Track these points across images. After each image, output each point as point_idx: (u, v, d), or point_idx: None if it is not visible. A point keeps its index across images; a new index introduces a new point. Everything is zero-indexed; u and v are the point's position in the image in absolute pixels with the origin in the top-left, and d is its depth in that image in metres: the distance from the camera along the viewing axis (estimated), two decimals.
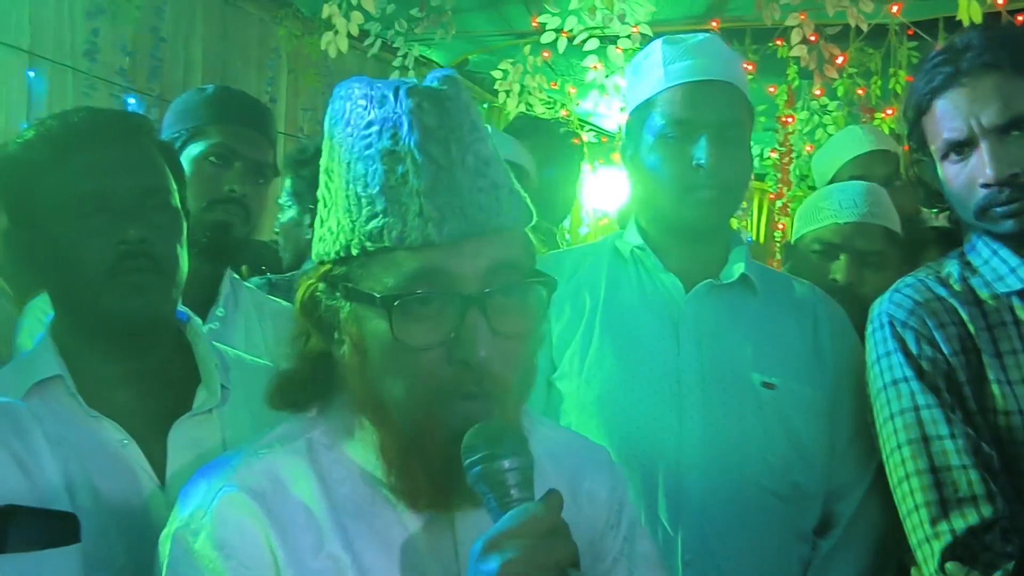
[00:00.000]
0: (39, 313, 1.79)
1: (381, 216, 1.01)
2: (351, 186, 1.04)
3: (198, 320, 1.60)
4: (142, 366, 1.45)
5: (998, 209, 1.51)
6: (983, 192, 1.51)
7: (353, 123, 1.06)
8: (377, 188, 1.01)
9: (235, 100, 2.06)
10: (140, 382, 1.44)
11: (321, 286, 1.08)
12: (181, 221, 1.48)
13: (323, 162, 1.11)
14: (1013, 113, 1.48)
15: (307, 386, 1.13)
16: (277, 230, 3.12)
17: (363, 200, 1.02)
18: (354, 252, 1.03)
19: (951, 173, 1.56)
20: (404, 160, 1.01)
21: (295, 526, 1.04)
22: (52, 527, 1.07)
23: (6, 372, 1.44)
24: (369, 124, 1.04)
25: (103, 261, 1.37)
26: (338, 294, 1.06)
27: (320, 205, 1.11)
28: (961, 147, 1.54)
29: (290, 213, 2.82)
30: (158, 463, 1.40)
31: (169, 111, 2.09)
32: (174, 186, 1.48)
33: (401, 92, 1.03)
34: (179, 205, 1.49)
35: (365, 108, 1.05)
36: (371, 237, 1.01)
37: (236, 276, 2.06)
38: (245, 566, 1.01)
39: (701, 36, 1.82)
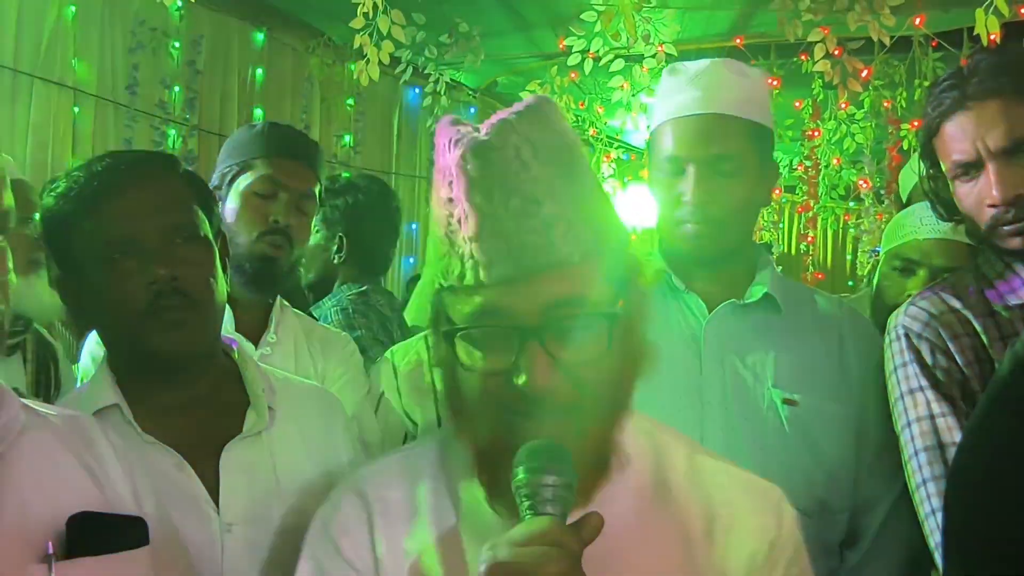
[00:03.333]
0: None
1: (446, 257, 1.10)
2: (435, 225, 1.14)
3: (247, 345, 1.67)
4: (192, 393, 1.52)
5: (1005, 228, 1.58)
6: (991, 212, 1.58)
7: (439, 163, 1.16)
8: (443, 231, 1.11)
9: (282, 134, 2.15)
10: (191, 408, 1.51)
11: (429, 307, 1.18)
12: (212, 250, 1.53)
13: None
14: (1017, 136, 1.54)
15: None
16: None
17: (438, 239, 1.12)
18: (439, 286, 1.13)
19: (962, 192, 1.63)
20: (456, 208, 1.09)
21: (399, 515, 1.20)
22: (123, 531, 1.14)
23: (68, 401, 1.53)
24: (439, 171, 1.13)
25: (138, 302, 1.43)
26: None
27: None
28: (969, 168, 1.60)
29: (317, 238, 2.90)
30: (211, 485, 1.47)
31: (224, 146, 2.19)
32: (203, 217, 1.53)
33: (452, 143, 1.10)
34: (210, 234, 1.54)
35: (440, 155, 1.13)
36: (443, 275, 1.11)
37: (285, 302, 2.14)
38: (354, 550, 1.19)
39: (704, 64, 1.82)
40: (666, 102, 1.82)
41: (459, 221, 1.08)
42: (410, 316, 2.93)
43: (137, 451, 1.41)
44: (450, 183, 1.09)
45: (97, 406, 1.46)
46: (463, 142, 1.09)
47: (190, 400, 1.51)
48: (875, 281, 2.41)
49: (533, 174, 1.07)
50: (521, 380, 1.06)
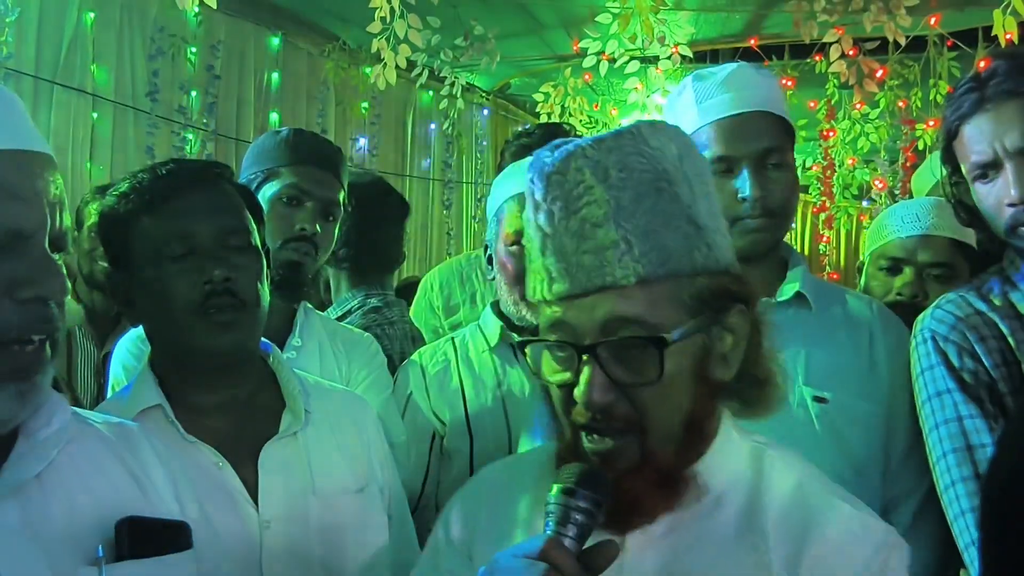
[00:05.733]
0: (131, 347, 1.92)
1: (528, 273, 1.18)
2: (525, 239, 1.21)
3: (277, 349, 1.70)
4: (233, 395, 1.56)
5: None
6: (1010, 211, 1.60)
7: None
8: (527, 248, 1.18)
9: (306, 142, 2.16)
10: (232, 410, 1.56)
11: None
12: (261, 259, 1.58)
13: None
14: None
15: None
16: None
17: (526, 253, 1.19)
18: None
19: (982, 194, 1.65)
20: (530, 227, 1.16)
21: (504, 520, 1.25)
22: (168, 535, 1.17)
23: (111, 403, 1.57)
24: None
25: (191, 300, 1.48)
26: None
27: None
28: (988, 169, 1.63)
29: None
30: (250, 484, 1.51)
31: (247, 153, 2.21)
32: (253, 226, 1.59)
33: (528, 167, 1.17)
34: (259, 244, 1.59)
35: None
36: (527, 288, 1.19)
37: (309, 306, 2.16)
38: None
39: (729, 68, 1.88)
40: (700, 107, 1.85)
41: (530, 240, 1.15)
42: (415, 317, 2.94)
43: (179, 450, 1.45)
44: (527, 206, 1.17)
45: (141, 406, 1.50)
46: (533, 167, 1.15)
47: (230, 402, 1.56)
48: (861, 282, 2.45)
49: (595, 197, 1.10)
50: (577, 394, 1.09)
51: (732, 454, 1.18)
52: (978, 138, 1.62)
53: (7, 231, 1.00)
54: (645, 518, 1.11)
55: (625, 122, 6.70)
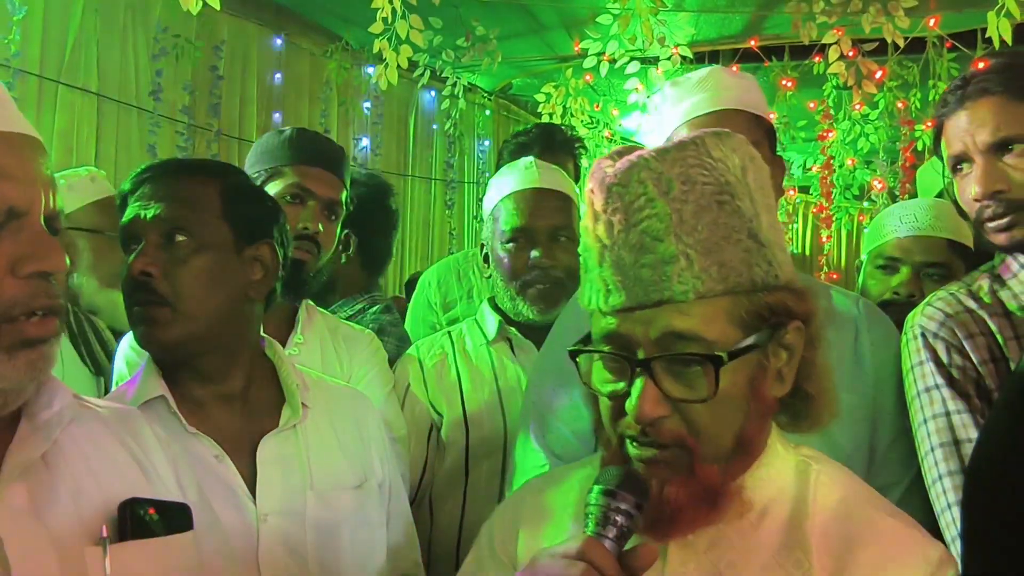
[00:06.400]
0: (133, 340, 1.94)
1: (583, 281, 1.15)
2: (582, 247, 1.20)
3: (276, 344, 1.72)
4: (227, 388, 1.59)
5: (990, 224, 1.64)
6: (976, 206, 1.65)
7: None
8: (583, 256, 1.15)
9: (309, 141, 2.19)
10: (229, 403, 1.58)
11: None
12: (216, 257, 1.56)
13: None
14: (1003, 134, 1.61)
15: None
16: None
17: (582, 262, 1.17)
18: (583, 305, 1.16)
19: (960, 188, 1.71)
20: (588, 237, 1.13)
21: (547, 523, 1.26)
22: (170, 516, 1.19)
23: (116, 395, 1.60)
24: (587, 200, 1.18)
25: (124, 291, 1.55)
26: None
27: None
28: (962, 164, 1.68)
29: None
30: (248, 477, 1.53)
31: (251, 152, 2.24)
32: (220, 226, 1.56)
33: (591, 176, 1.13)
34: (228, 243, 1.57)
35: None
36: (581, 296, 1.16)
37: (311, 303, 2.19)
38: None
39: (705, 71, 1.94)
40: (675, 108, 1.91)
41: (588, 250, 1.13)
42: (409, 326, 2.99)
43: (180, 441, 1.49)
44: (585, 214, 1.15)
45: (145, 397, 1.53)
46: (592, 177, 1.13)
47: (226, 394, 1.58)
48: (860, 281, 2.47)
49: (657, 210, 1.08)
50: (628, 406, 1.08)
51: (778, 468, 1.17)
52: (955, 134, 1.67)
53: (3, 210, 1.03)
54: (686, 529, 1.10)
55: (626, 123, 6.75)
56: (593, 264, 1.12)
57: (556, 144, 3.15)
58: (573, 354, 1.15)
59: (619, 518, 1.04)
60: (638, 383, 1.07)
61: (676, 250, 1.07)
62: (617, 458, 1.13)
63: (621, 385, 1.10)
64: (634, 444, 1.10)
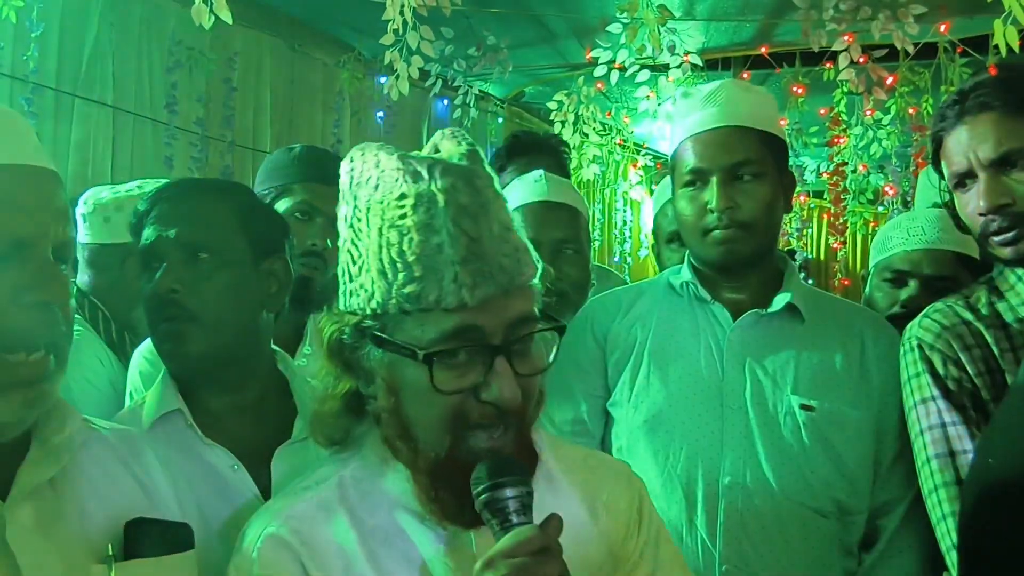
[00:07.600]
0: (148, 354, 1.99)
1: (418, 282, 1.13)
2: (384, 251, 1.15)
3: (287, 356, 1.76)
4: (242, 400, 1.64)
5: (995, 238, 1.66)
6: (980, 220, 1.67)
7: (383, 190, 1.16)
8: (414, 256, 1.13)
9: (317, 159, 2.24)
10: (245, 414, 1.63)
11: (348, 331, 1.21)
12: (235, 274, 1.61)
13: (347, 217, 1.22)
14: (1005, 149, 1.63)
15: (338, 420, 1.29)
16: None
17: (399, 266, 1.14)
18: (391, 311, 1.16)
19: (961, 203, 1.72)
20: (439, 232, 1.12)
21: (329, 556, 1.19)
22: (171, 535, 1.24)
23: (132, 409, 1.65)
24: (403, 196, 1.14)
25: (147, 308, 1.61)
26: (368, 342, 1.20)
27: (348, 259, 1.22)
28: (964, 179, 1.70)
29: None
30: (264, 487, 1.58)
31: (261, 168, 2.29)
32: (239, 242, 1.62)
33: (436, 171, 1.14)
34: (246, 260, 1.63)
35: (396, 180, 1.15)
36: (409, 300, 1.14)
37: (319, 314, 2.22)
38: None
39: (714, 85, 1.95)
40: (684, 122, 1.94)
41: (440, 246, 1.13)
42: None
43: (197, 454, 1.55)
44: (427, 209, 1.13)
45: (162, 411, 1.58)
46: (449, 171, 1.15)
47: (241, 406, 1.63)
48: (866, 292, 2.47)
49: (503, 201, 1.20)
50: (492, 395, 1.14)
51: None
52: (956, 149, 1.69)
53: (9, 240, 1.07)
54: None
55: (637, 131, 6.76)
56: (451, 259, 1.12)
57: (522, 148, 3.17)
58: (428, 358, 1.14)
59: (523, 501, 1.12)
60: (499, 368, 1.14)
61: (520, 238, 1.20)
62: (457, 457, 1.16)
63: (469, 379, 1.15)
64: (478, 435, 1.16)
